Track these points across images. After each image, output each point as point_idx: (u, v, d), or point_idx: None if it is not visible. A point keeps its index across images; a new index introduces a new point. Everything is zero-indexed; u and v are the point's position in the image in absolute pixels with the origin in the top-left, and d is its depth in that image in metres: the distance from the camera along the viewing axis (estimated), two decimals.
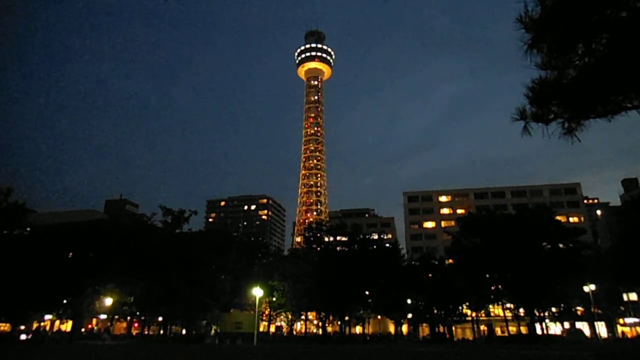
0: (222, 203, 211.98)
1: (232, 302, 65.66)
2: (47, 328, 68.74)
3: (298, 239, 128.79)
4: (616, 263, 50.73)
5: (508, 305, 64.87)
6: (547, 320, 66.43)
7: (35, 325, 68.28)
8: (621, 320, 74.85)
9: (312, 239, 71.63)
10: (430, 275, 66.24)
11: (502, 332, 74.06)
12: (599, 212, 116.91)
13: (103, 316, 70.13)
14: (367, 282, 58.85)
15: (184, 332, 68.26)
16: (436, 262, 68.28)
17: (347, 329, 70.03)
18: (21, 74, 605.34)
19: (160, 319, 66.34)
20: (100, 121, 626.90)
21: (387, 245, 68.20)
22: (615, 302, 69.24)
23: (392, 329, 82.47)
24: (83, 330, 69.31)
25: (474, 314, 69.28)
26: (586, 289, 53.83)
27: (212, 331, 69.14)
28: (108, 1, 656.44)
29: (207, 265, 59.55)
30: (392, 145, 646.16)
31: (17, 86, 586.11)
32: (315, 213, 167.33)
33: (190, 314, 58.06)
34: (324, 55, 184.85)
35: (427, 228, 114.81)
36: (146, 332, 70.88)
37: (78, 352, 31.74)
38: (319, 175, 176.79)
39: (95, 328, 72.31)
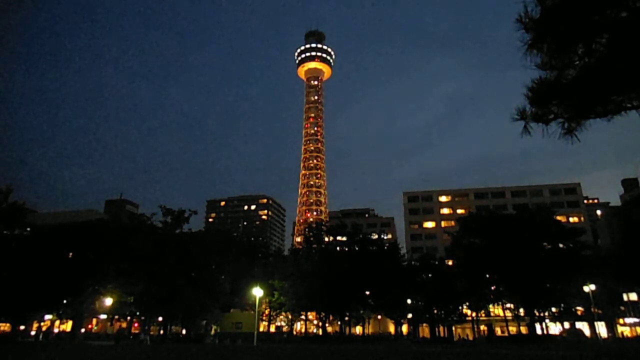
0: (222, 203, 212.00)
1: (232, 302, 65.56)
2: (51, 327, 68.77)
3: (298, 239, 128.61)
4: (616, 263, 50.68)
5: (508, 305, 64.82)
6: (547, 320, 66.36)
7: (35, 325, 68.32)
8: (621, 320, 74.80)
9: (312, 238, 71.57)
10: (430, 275, 66.20)
11: (502, 332, 74.03)
12: (599, 212, 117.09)
13: (103, 316, 70.10)
14: (367, 282, 58.80)
15: (184, 332, 68.25)
16: (436, 262, 68.24)
17: (347, 329, 69.97)
18: (21, 74, 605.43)
19: (160, 319, 66.30)
20: (100, 121, 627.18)
21: (387, 245, 68.17)
22: (615, 302, 69.19)
23: (392, 329, 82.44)
24: (83, 330, 69.28)
25: (474, 314, 69.20)
26: (586, 289, 53.73)
27: (212, 331, 69.10)
28: (108, 1, 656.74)
29: (207, 265, 59.51)
30: (392, 144, 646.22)
31: (17, 86, 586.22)
32: (315, 213, 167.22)
33: (190, 314, 57.99)
34: (324, 55, 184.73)
35: (427, 228, 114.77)
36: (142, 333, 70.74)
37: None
38: (319, 175, 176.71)
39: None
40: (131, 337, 64.04)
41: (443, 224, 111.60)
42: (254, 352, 31.32)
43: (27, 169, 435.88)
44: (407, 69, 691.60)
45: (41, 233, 53.82)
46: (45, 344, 45.22)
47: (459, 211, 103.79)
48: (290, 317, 75.57)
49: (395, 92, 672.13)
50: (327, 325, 72.50)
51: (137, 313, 64.52)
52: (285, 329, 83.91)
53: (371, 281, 58.73)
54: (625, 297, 70.45)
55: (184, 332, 68.16)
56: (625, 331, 75.69)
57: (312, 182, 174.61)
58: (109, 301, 53.23)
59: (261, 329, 66.66)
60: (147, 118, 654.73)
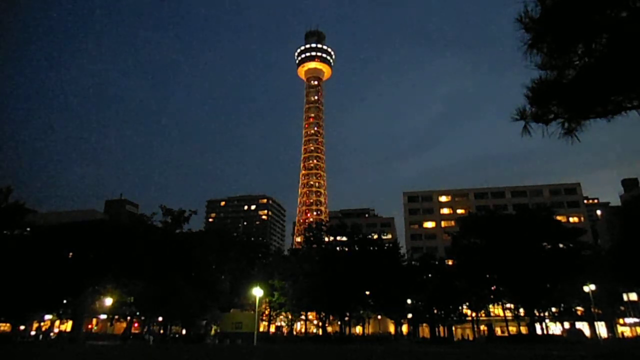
0: (222, 203, 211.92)
1: (232, 302, 65.60)
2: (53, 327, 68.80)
3: (298, 239, 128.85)
4: (616, 263, 50.71)
5: (508, 305, 64.84)
6: (547, 320, 66.39)
7: (35, 325, 68.37)
8: (621, 320, 74.82)
9: (312, 238, 71.61)
10: (430, 275, 66.21)
11: (502, 332, 74.03)
12: (599, 212, 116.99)
13: (103, 316, 70.08)
14: (367, 282, 58.83)
15: (184, 332, 68.27)
16: (436, 262, 68.26)
17: (347, 329, 69.99)
18: (21, 74, 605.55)
19: (160, 319, 66.39)
20: (100, 121, 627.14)
21: (387, 245, 68.18)
22: (615, 302, 69.20)
23: (392, 329, 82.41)
24: (83, 330, 69.27)
25: (474, 314, 69.23)
26: (586, 289, 53.77)
27: (212, 331, 69.13)
28: (108, 1, 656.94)
29: (207, 265, 59.58)
30: (392, 144, 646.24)
31: (17, 86, 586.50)
32: (315, 213, 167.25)
33: (190, 314, 58.05)
34: (324, 55, 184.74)
35: (427, 228, 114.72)
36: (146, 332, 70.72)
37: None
38: (319, 175, 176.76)
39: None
40: (131, 337, 64.09)
41: (443, 224, 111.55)
42: (254, 352, 31.33)
43: (27, 169, 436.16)
44: (407, 68, 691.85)
45: (41, 233, 53.84)
46: (51, 344, 45.27)
47: (459, 211, 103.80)
48: (290, 317, 75.58)
49: (395, 92, 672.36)
50: (327, 325, 72.50)
51: (137, 313, 64.61)
52: (285, 329, 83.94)
53: (371, 281, 58.74)
54: (625, 297, 70.43)
55: (184, 332, 68.18)
56: (625, 331, 75.69)
57: (312, 182, 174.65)
58: (109, 301, 53.25)
59: (261, 329, 66.64)
60: (147, 118, 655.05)
